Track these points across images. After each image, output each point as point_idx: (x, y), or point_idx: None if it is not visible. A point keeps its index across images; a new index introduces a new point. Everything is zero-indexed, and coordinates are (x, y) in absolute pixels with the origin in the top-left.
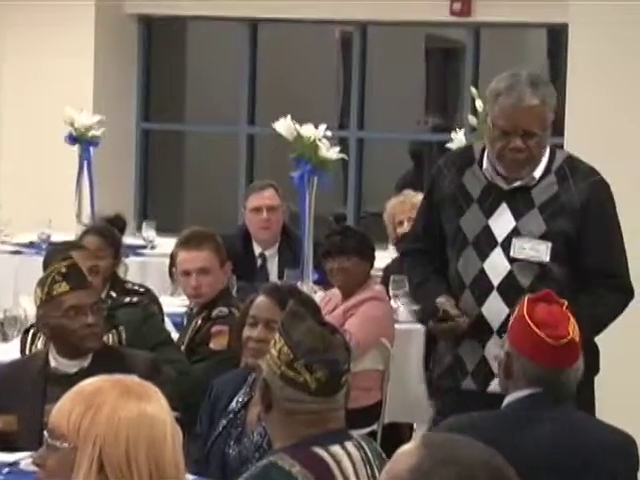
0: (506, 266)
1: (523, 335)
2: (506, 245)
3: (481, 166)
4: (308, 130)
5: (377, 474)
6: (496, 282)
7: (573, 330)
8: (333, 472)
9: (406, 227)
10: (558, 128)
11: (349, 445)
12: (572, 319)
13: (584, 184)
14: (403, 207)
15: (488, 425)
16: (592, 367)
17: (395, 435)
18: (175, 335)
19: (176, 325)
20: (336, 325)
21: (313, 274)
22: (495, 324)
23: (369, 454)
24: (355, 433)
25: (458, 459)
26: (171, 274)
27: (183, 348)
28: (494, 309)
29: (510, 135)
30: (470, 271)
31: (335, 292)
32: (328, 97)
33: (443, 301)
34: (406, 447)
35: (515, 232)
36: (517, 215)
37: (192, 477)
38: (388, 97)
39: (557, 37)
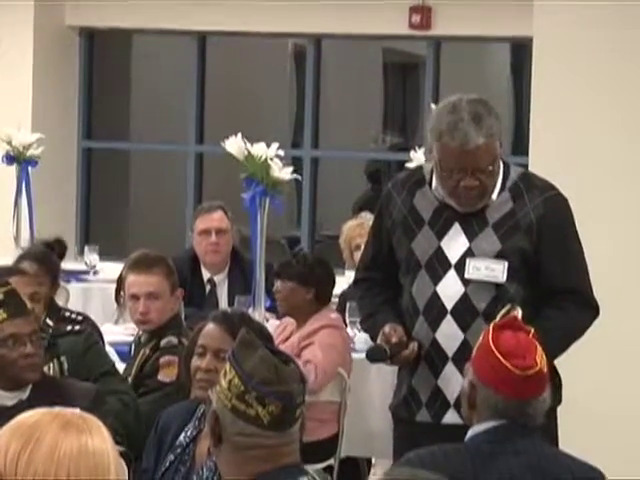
0: (460, 288)
1: (488, 365)
2: (460, 267)
3: (431, 186)
4: (259, 149)
5: None
6: (449, 306)
7: (541, 360)
8: None
9: None
10: (522, 146)
11: None
12: (539, 348)
13: (539, 200)
14: (361, 230)
15: (451, 459)
16: (555, 398)
17: (352, 470)
18: (120, 365)
19: (121, 355)
20: (291, 354)
21: (265, 300)
22: (450, 350)
23: None
24: (310, 468)
25: None
26: (117, 299)
27: (130, 379)
28: (448, 334)
29: (460, 174)
30: (423, 296)
31: (291, 319)
32: (281, 114)
33: (381, 338)
34: None
35: (469, 253)
36: (470, 235)
37: None
38: (344, 114)
39: (521, 51)
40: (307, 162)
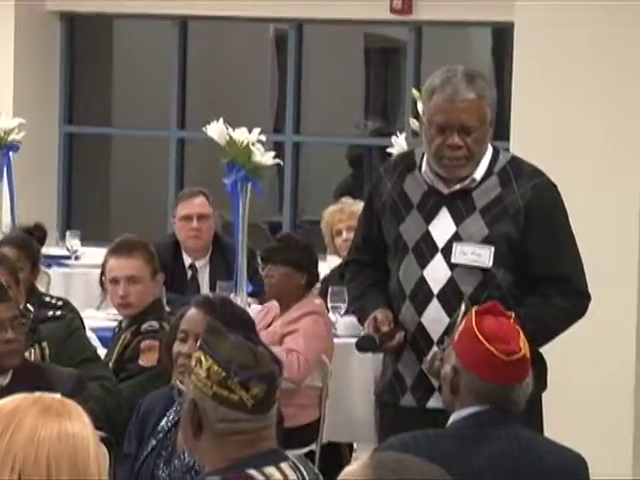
0: (447, 273)
1: (472, 350)
2: (447, 251)
3: (421, 170)
4: (241, 134)
5: None
6: (436, 290)
7: (524, 345)
8: None
9: (345, 236)
10: (504, 131)
11: (284, 466)
12: (521, 333)
13: (527, 186)
14: (341, 216)
15: (433, 444)
16: (540, 384)
17: (334, 455)
18: (102, 351)
19: (103, 340)
20: (273, 340)
21: (247, 286)
22: (435, 335)
23: (306, 476)
24: (292, 453)
25: None
26: (102, 284)
27: (111, 364)
28: (434, 318)
29: (447, 131)
30: (410, 279)
31: (274, 304)
32: (262, 99)
33: (371, 323)
34: (353, 467)
35: (456, 237)
36: (458, 219)
37: None
38: (325, 99)
39: (502, 36)
40: (289, 147)
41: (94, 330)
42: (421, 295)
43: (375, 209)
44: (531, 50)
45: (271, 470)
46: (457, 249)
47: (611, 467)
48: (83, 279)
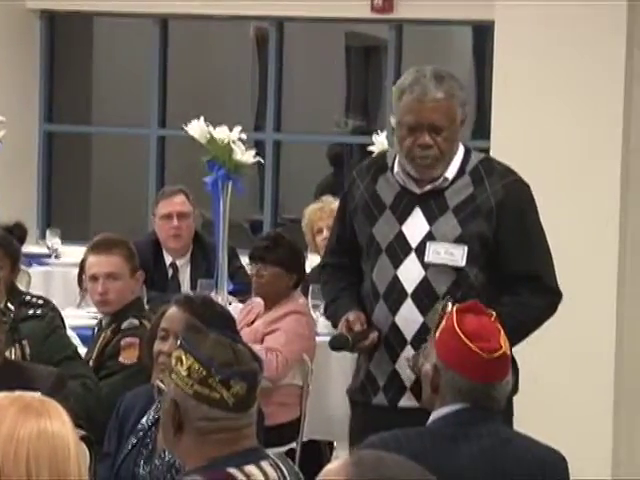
0: (420, 272)
1: (453, 347)
2: (420, 251)
3: (393, 172)
4: (222, 132)
5: None
6: (410, 289)
7: (505, 343)
8: None
9: (325, 234)
10: (484, 129)
11: (265, 464)
12: (502, 331)
13: (499, 185)
14: (322, 214)
15: (414, 443)
16: (512, 386)
17: (314, 454)
18: (82, 349)
19: (83, 339)
20: (255, 338)
21: (228, 284)
22: (409, 334)
23: (286, 474)
24: (272, 451)
25: (389, 479)
26: (80, 283)
27: (91, 362)
28: (408, 318)
29: (417, 131)
30: (384, 279)
31: (258, 302)
32: (243, 97)
33: (343, 324)
34: (334, 465)
35: (429, 236)
36: (431, 219)
37: None
38: (306, 97)
39: (483, 35)
40: (269, 145)
41: (74, 328)
42: (395, 295)
43: (348, 211)
44: (511, 48)
45: (252, 468)
46: (430, 249)
47: (590, 467)
48: (63, 277)
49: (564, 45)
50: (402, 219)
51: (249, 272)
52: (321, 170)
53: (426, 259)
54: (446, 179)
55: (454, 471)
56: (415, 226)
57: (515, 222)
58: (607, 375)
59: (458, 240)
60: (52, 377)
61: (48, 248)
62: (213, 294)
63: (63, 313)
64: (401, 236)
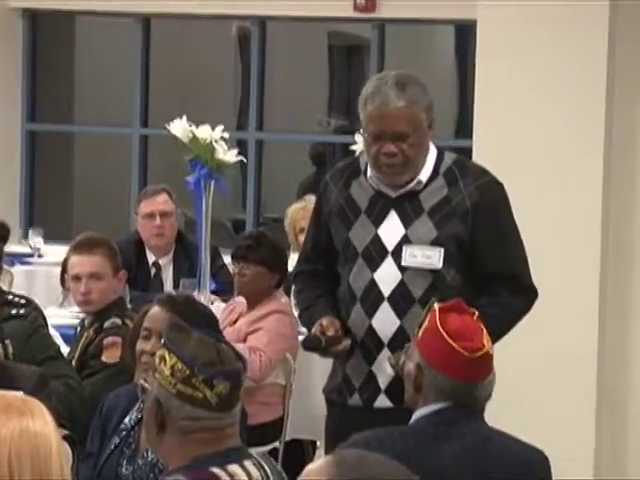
0: (397, 276)
1: (436, 347)
2: (397, 254)
3: (367, 176)
4: (204, 132)
5: None
6: (387, 292)
7: (487, 342)
8: None
9: None
10: (466, 128)
11: (248, 464)
12: (485, 330)
13: (474, 186)
14: (304, 213)
15: (396, 442)
16: None
17: (297, 453)
18: (65, 349)
19: (66, 338)
20: (238, 337)
21: (211, 283)
22: (385, 337)
23: (269, 473)
24: (255, 451)
25: (371, 478)
26: (62, 282)
27: (74, 361)
28: (384, 321)
29: (381, 139)
30: (361, 283)
31: (241, 301)
32: (225, 97)
33: (317, 328)
34: (316, 465)
35: (405, 240)
36: (406, 222)
37: None
38: (289, 97)
39: (465, 34)
40: (252, 144)
41: (57, 328)
42: (372, 298)
43: (323, 216)
44: (494, 48)
45: (235, 468)
46: (407, 252)
47: (573, 467)
48: (46, 277)
49: (546, 44)
50: (378, 223)
51: (232, 271)
52: (303, 169)
53: (403, 262)
54: (420, 182)
55: (437, 470)
56: (391, 229)
57: (491, 223)
58: (589, 376)
59: (434, 242)
60: (35, 376)
61: (31, 247)
62: (196, 293)
63: (46, 312)
64: (377, 240)
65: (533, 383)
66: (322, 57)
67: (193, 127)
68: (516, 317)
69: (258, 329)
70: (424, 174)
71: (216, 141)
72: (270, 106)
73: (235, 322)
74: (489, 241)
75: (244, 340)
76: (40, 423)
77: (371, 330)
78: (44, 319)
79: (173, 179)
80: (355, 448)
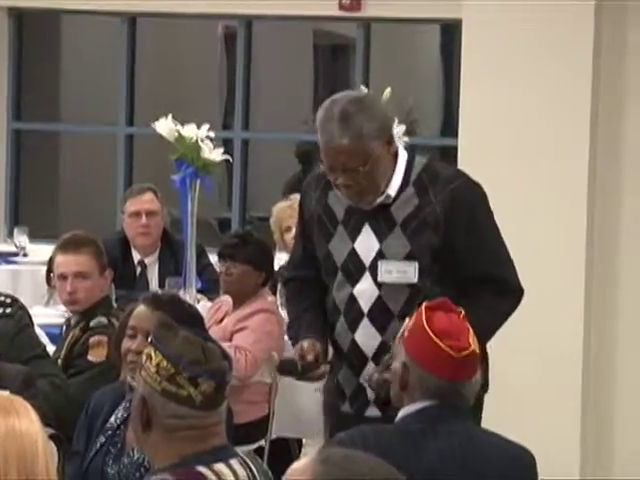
0: (374, 291)
1: (422, 345)
2: (373, 269)
3: None
4: (190, 131)
5: None
6: (366, 309)
7: (474, 341)
8: None
9: (294, 233)
10: (452, 127)
11: (234, 463)
12: (471, 330)
13: (444, 193)
14: (290, 212)
15: (381, 440)
16: (483, 384)
17: (283, 451)
18: (50, 348)
19: (51, 337)
20: (224, 336)
21: (196, 282)
22: (369, 351)
23: (255, 472)
24: (241, 449)
25: (356, 477)
26: (48, 280)
27: (60, 360)
28: (367, 335)
29: (335, 172)
30: (342, 297)
31: (227, 300)
32: (211, 96)
33: (297, 351)
34: (302, 463)
35: (380, 255)
36: (380, 236)
37: None
38: (274, 96)
39: (450, 33)
40: (237, 143)
41: (42, 327)
42: (353, 314)
43: (306, 223)
44: (479, 47)
45: (221, 467)
46: (382, 268)
47: (558, 468)
48: (31, 276)
49: (531, 44)
50: (353, 236)
51: (218, 270)
52: (289, 168)
53: (378, 279)
54: (389, 196)
55: (422, 468)
56: (366, 244)
57: (465, 227)
58: (575, 377)
59: (408, 257)
60: (20, 376)
61: (16, 246)
62: (181, 292)
63: (31, 311)
64: (354, 254)
65: (519, 385)
66: (307, 56)
67: (179, 126)
68: (501, 319)
69: (244, 328)
70: (393, 187)
71: (202, 140)
72: (256, 105)
73: (221, 321)
74: (467, 246)
75: (230, 339)
76: (26, 422)
77: (355, 344)
78: (30, 318)
79: (159, 178)
80: (341, 446)
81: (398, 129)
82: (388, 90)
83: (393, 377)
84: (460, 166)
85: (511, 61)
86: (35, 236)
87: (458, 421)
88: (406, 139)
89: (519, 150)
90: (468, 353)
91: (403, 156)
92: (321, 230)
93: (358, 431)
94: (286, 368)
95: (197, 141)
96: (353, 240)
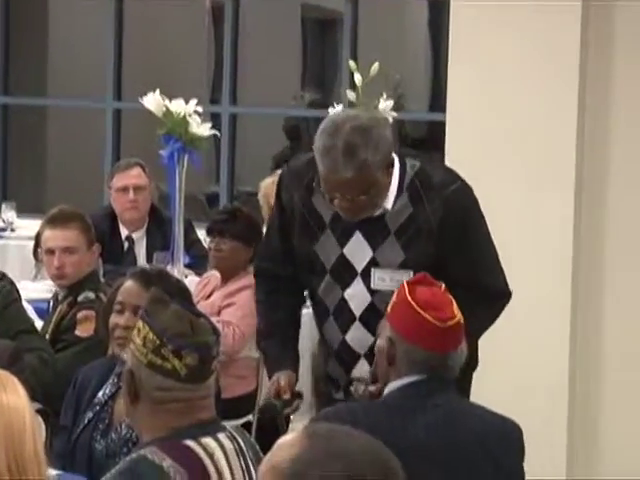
0: (367, 297)
1: (408, 319)
2: (366, 275)
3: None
4: (178, 105)
5: (251, 466)
6: (358, 313)
7: (457, 312)
8: (206, 465)
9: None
10: (440, 103)
11: (222, 437)
12: (453, 300)
13: (438, 201)
14: None
15: (369, 415)
16: (472, 362)
17: (271, 426)
18: (38, 322)
19: (39, 312)
20: (212, 311)
21: (184, 257)
22: (361, 350)
23: (242, 446)
24: (229, 424)
25: (342, 451)
26: (36, 255)
27: (48, 335)
28: (358, 337)
29: (335, 196)
30: (332, 299)
31: (214, 275)
32: (199, 70)
33: (273, 388)
34: (288, 437)
35: (373, 262)
36: (374, 244)
37: (56, 472)
38: (263, 70)
39: (439, 8)
40: (225, 118)
41: (30, 302)
42: (344, 316)
43: (286, 217)
44: (467, 22)
45: (208, 441)
46: (375, 276)
47: (544, 468)
48: (19, 251)
49: (520, 19)
50: (343, 242)
51: (206, 246)
52: (277, 143)
53: (372, 286)
54: (386, 209)
55: (410, 442)
56: (357, 251)
57: (458, 236)
58: (561, 378)
59: (402, 265)
60: (8, 350)
61: (3, 221)
62: (169, 267)
63: (19, 286)
64: (344, 260)
65: (505, 384)
66: (295, 30)
67: (167, 101)
68: (489, 324)
69: (232, 303)
70: (389, 201)
71: (190, 115)
72: (244, 80)
73: (209, 296)
74: (457, 253)
75: (218, 314)
76: (13, 397)
77: (346, 344)
78: (18, 293)
79: (147, 153)
80: (327, 421)
81: (386, 104)
82: (376, 65)
83: (379, 354)
84: (448, 142)
85: (499, 36)
86: (22, 211)
87: (444, 394)
88: (394, 114)
89: (506, 123)
90: (453, 323)
91: (395, 164)
92: (305, 230)
93: (346, 407)
94: (268, 412)
95: (185, 116)
96: (342, 245)
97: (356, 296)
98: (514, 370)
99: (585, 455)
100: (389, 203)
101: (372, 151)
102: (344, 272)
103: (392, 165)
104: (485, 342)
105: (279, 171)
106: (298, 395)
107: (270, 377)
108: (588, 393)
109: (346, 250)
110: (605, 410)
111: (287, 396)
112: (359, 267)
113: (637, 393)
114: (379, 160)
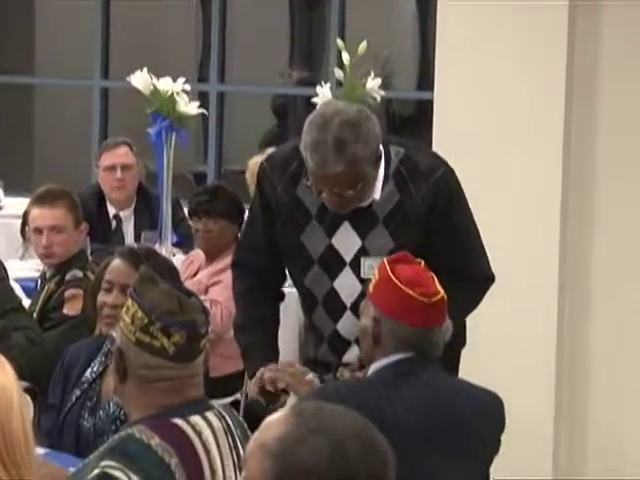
0: (357, 287)
1: (392, 297)
2: (355, 265)
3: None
4: (165, 84)
5: (239, 444)
6: (349, 302)
7: (440, 288)
8: (194, 443)
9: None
10: (428, 84)
11: (210, 415)
12: (435, 277)
13: (426, 187)
14: None
15: (355, 393)
16: (460, 340)
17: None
18: (26, 301)
19: (27, 291)
20: (199, 290)
21: (172, 236)
22: (352, 337)
23: (230, 424)
24: (217, 402)
25: (329, 429)
26: (23, 234)
27: (35, 314)
28: (350, 326)
29: (323, 191)
30: (320, 289)
31: (198, 253)
32: (186, 48)
33: (256, 384)
34: (275, 416)
35: (362, 251)
36: (362, 233)
37: (44, 450)
38: (250, 48)
39: None
40: (213, 97)
41: (18, 280)
42: (334, 305)
43: (270, 207)
44: (454, 1)
45: (196, 419)
46: (365, 264)
47: (531, 468)
48: (6, 229)
49: (507, 6)
50: (330, 232)
51: (192, 226)
52: (265, 121)
53: (362, 275)
54: (374, 199)
55: (397, 419)
56: (346, 240)
57: (445, 220)
58: (548, 377)
59: (392, 252)
60: None
61: None
62: (157, 246)
63: (6, 265)
64: (332, 250)
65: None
66: (283, 8)
67: (154, 79)
68: (470, 307)
69: (218, 282)
70: (377, 191)
71: (177, 93)
72: (231, 58)
73: (195, 275)
74: (443, 239)
75: (205, 292)
76: (1, 375)
77: (336, 332)
78: (5, 271)
79: (134, 131)
80: (313, 399)
81: (374, 82)
82: (364, 44)
83: (363, 335)
84: (436, 120)
85: (487, 15)
86: (10, 189)
87: (430, 371)
88: (382, 92)
89: (493, 102)
90: (438, 299)
91: (380, 151)
92: (289, 220)
93: (332, 385)
94: (253, 411)
95: (173, 94)
96: (330, 236)
97: (346, 286)
98: (500, 370)
99: (571, 455)
100: (377, 193)
101: (362, 146)
102: (332, 262)
103: (380, 158)
104: (471, 341)
105: (268, 149)
106: (284, 391)
107: (250, 375)
108: (574, 393)
109: (334, 240)
110: (591, 410)
111: (270, 389)
112: (347, 257)
113: (623, 393)
114: (369, 155)
